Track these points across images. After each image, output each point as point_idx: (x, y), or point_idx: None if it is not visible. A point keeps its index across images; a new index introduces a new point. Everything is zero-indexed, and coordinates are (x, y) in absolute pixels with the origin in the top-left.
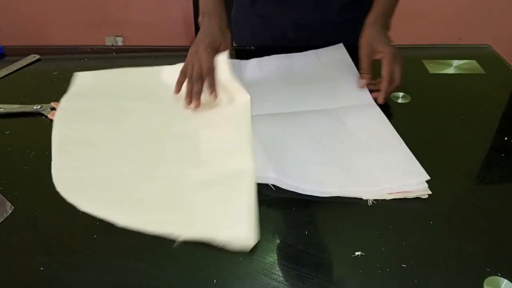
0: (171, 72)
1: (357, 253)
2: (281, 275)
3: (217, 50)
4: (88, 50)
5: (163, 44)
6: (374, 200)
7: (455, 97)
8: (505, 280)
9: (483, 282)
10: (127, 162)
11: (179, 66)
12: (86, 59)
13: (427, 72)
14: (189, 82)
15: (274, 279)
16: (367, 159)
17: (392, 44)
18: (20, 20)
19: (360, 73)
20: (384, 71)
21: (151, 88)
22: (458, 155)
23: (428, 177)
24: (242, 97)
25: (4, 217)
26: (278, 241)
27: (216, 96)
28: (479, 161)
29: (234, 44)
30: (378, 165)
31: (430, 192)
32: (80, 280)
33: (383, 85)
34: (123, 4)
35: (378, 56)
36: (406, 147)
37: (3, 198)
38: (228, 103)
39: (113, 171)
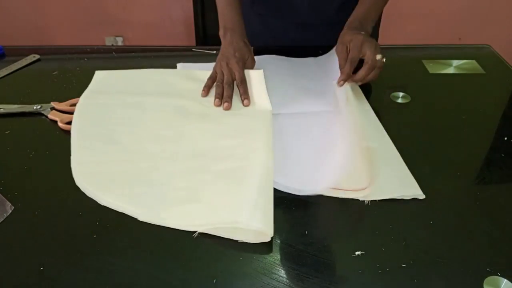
0: (194, 74)
1: (357, 253)
2: (281, 275)
3: (245, 63)
4: (88, 50)
5: (163, 44)
6: (371, 201)
7: (455, 97)
8: (505, 280)
9: (483, 282)
10: (146, 157)
11: (202, 71)
12: (86, 59)
13: (427, 72)
14: (218, 86)
15: (274, 279)
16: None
17: (363, 34)
18: (20, 20)
19: (340, 70)
20: (350, 54)
21: (171, 86)
22: (458, 155)
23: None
24: (264, 106)
25: (4, 217)
26: (278, 241)
27: (248, 104)
28: (479, 161)
29: None
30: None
31: (424, 196)
32: (80, 280)
33: (345, 68)
34: (123, 4)
35: (349, 48)
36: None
37: (3, 198)
38: (249, 109)
39: (133, 166)
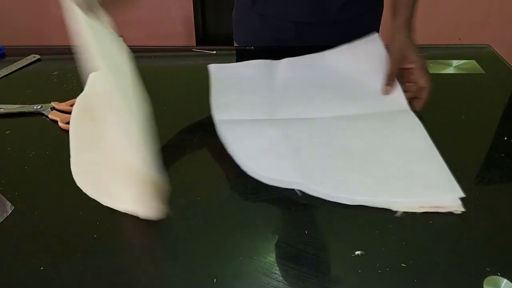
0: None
1: (357, 252)
2: (281, 274)
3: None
4: None
5: (163, 44)
6: (404, 213)
7: (455, 97)
8: (505, 280)
9: (483, 281)
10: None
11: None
12: None
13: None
14: None
15: (274, 279)
16: (400, 169)
17: (420, 54)
18: (20, 20)
19: (386, 79)
20: (423, 81)
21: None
22: (458, 155)
23: (462, 195)
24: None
25: (4, 217)
26: (278, 241)
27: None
28: (479, 161)
29: (236, 44)
30: (411, 176)
31: (464, 210)
32: (80, 280)
33: (424, 94)
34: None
35: (408, 65)
36: (441, 159)
37: (3, 198)
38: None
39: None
